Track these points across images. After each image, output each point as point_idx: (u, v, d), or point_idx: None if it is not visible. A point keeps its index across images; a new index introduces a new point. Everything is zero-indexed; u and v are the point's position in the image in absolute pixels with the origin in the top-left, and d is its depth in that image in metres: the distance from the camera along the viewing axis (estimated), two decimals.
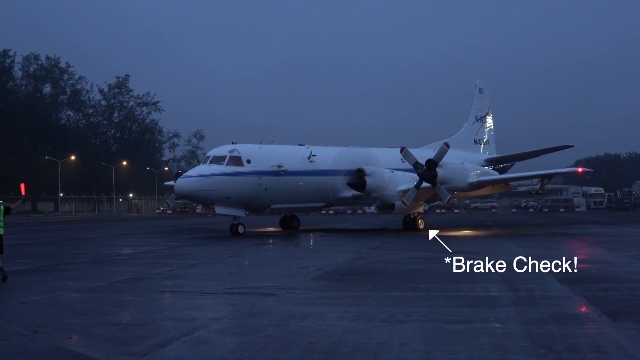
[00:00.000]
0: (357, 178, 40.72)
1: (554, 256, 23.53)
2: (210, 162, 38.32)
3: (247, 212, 40.42)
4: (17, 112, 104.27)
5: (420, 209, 43.19)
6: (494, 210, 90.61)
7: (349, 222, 59.46)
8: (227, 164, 37.92)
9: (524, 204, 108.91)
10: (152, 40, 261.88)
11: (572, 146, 51.43)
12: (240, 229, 38.38)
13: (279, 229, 45.65)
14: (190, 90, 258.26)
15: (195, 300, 14.62)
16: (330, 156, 42.70)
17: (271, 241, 34.40)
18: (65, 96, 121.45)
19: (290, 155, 41.51)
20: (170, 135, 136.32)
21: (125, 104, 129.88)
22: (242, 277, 19.03)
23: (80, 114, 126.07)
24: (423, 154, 41.22)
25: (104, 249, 29.71)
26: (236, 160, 38.26)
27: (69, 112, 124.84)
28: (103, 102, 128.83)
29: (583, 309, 12.98)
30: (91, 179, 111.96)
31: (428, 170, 37.88)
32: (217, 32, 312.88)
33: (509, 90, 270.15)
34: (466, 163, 40.85)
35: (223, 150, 39.74)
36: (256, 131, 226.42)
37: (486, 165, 51.82)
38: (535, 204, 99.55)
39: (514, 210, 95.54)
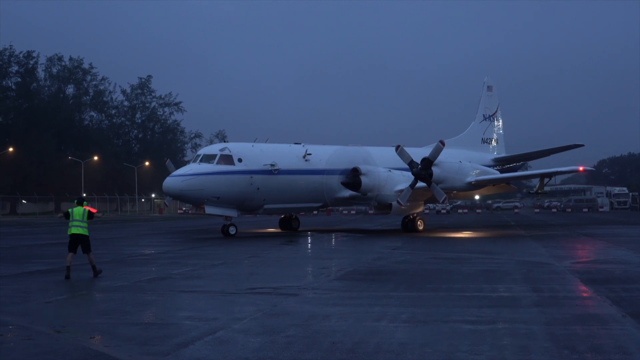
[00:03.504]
0: (352, 177, 40.03)
1: (577, 256, 23.50)
2: (201, 160, 37.66)
3: (240, 213, 39.35)
4: (41, 113, 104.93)
5: (420, 210, 42.01)
6: (516, 211, 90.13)
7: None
8: (217, 163, 37.21)
9: (546, 204, 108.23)
10: (176, 42, 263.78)
11: (583, 145, 49.72)
12: (232, 230, 37.77)
13: (279, 230, 45.00)
14: (212, 91, 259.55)
15: (217, 300, 14.65)
16: (327, 155, 41.95)
17: (292, 241, 34.38)
18: (88, 97, 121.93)
19: (284, 154, 40.67)
20: (192, 135, 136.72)
21: (147, 105, 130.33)
22: (263, 277, 19.03)
23: (103, 114, 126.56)
24: (425, 153, 40.70)
25: (126, 249, 29.85)
26: (227, 159, 37.56)
27: (92, 113, 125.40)
28: (126, 103, 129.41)
29: (606, 309, 12.87)
30: (114, 179, 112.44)
31: (423, 169, 37.02)
32: (242, 36, 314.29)
33: (526, 88, 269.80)
34: (464, 162, 39.69)
35: (214, 148, 39.36)
36: (279, 132, 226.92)
37: (494, 165, 51.14)
38: (558, 204, 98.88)
39: (537, 210, 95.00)
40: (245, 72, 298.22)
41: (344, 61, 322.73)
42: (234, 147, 38.99)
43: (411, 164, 37.38)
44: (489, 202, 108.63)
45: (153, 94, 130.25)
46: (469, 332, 10.92)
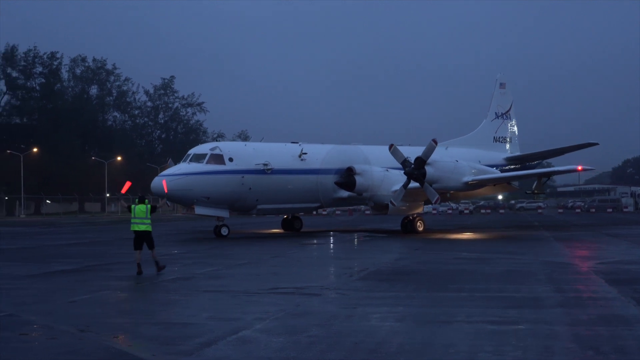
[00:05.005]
0: (347, 177, 39.27)
1: (601, 257, 23.32)
2: (190, 160, 37.08)
3: (233, 213, 38.23)
4: (65, 114, 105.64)
5: (419, 210, 40.63)
6: (540, 211, 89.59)
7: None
8: (207, 162, 36.54)
9: (570, 204, 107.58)
10: (203, 44, 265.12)
11: (597, 144, 47.87)
12: (224, 231, 36.96)
13: (282, 231, 44.18)
14: (236, 91, 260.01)
15: (239, 300, 14.67)
16: (322, 154, 40.98)
17: (315, 241, 34.37)
18: (111, 97, 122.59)
19: (279, 153, 39.81)
20: (215, 136, 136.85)
21: (170, 105, 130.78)
22: (286, 277, 19.05)
23: (126, 115, 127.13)
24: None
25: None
26: (217, 159, 36.86)
27: (115, 114, 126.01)
28: (149, 104, 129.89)
29: (631, 310, 12.78)
30: (137, 179, 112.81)
31: (416, 169, 35.98)
32: (269, 39, 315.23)
33: (546, 87, 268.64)
34: (461, 161, 38.35)
35: (204, 148, 38.81)
36: (303, 132, 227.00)
37: (506, 165, 50.04)
38: (582, 204, 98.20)
39: (560, 210, 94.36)
40: (272, 74, 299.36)
41: (368, 63, 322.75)
42: (225, 147, 38.69)
43: (404, 163, 36.61)
44: (512, 202, 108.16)
45: (176, 95, 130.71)
46: (492, 332, 10.88)
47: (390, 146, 36.81)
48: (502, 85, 54.71)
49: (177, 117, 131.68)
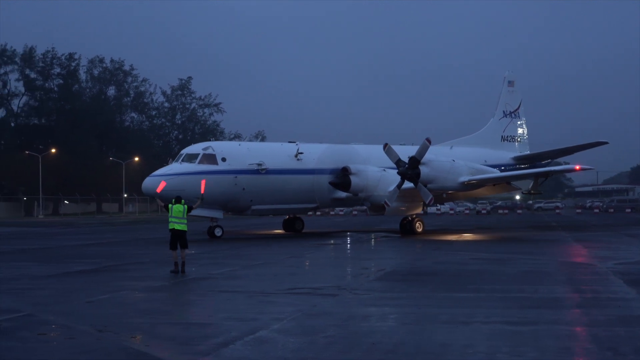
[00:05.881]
0: (342, 177, 38.43)
1: (620, 257, 23.18)
2: (182, 160, 36.44)
3: (227, 214, 37.90)
4: (83, 115, 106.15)
5: (418, 211, 39.20)
6: (558, 211, 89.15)
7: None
8: (199, 162, 35.87)
9: (589, 204, 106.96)
10: (216, 44, 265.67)
11: (607, 142, 47.26)
12: (217, 232, 36.35)
13: (283, 232, 43.58)
14: (252, 92, 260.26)
15: (256, 301, 14.68)
16: (318, 154, 40.10)
17: (332, 242, 34.35)
18: (129, 98, 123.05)
19: (274, 153, 39.17)
20: (232, 136, 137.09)
21: (187, 106, 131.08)
22: (303, 278, 19.07)
23: (143, 115, 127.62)
24: (438, 151, 39.29)
25: (167, 249, 30.00)
26: (210, 159, 36.22)
27: (133, 114, 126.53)
28: (166, 104, 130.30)
29: None
30: None
31: (410, 168, 35.05)
32: (281, 39, 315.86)
33: (564, 86, 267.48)
34: (458, 161, 37.23)
35: (197, 148, 38.17)
36: (319, 133, 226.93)
37: (515, 164, 48.89)
38: (601, 204, 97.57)
39: (579, 210, 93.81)
40: (290, 75, 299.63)
41: (385, 63, 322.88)
42: (218, 146, 38.18)
43: (398, 163, 35.69)
44: (530, 202, 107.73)
45: (193, 95, 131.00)
46: (511, 333, 10.84)
47: (385, 145, 36.07)
48: (510, 83, 53.20)
49: (194, 118, 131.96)
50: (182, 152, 38.00)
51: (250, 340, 10.58)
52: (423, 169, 34.89)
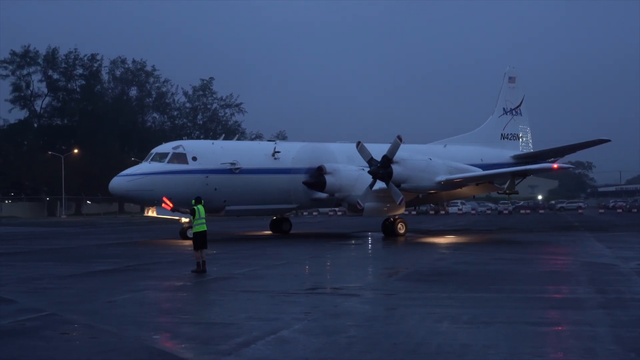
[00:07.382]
0: (317, 177, 36.91)
1: None
2: (152, 159, 35.37)
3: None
4: (105, 115, 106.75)
5: (400, 211, 37.53)
6: (580, 211, 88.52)
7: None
8: (169, 162, 34.81)
9: (611, 204, 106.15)
10: (238, 45, 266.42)
11: (609, 140, 44.91)
12: (190, 234, 32.45)
13: (270, 233, 42.73)
14: (273, 93, 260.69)
15: (278, 300, 14.71)
16: (294, 153, 38.75)
17: (353, 242, 34.30)
18: (150, 99, 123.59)
19: (249, 152, 38.10)
20: (253, 136, 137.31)
21: (209, 106, 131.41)
22: (324, 278, 19.08)
23: (165, 116, 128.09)
24: (430, 150, 38.60)
25: (188, 249, 30.10)
26: (180, 158, 35.12)
27: (155, 115, 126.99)
28: (187, 105, 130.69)
29: None
30: None
31: (381, 167, 33.71)
32: (303, 39, 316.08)
33: (578, 83, 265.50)
34: (435, 159, 35.71)
35: (167, 147, 36.83)
36: (339, 133, 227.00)
37: (514, 163, 46.38)
38: (624, 204, 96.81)
39: (602, 210, 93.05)
40: (313, 75, 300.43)
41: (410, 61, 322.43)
42: (189, 145, 37.05)
43: (371, 162, 34.33)
44: (552, 202, 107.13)
45: (214, 96, 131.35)
46: (532, 333, 10.78)
47: (358, 144, 35.05)
48: (511, 79, 50.65)
49: (215, 118, 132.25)
50: (152, 151, 36.85)
51: (271, 340, 10.59)
52: (396, 168, 33.63)
